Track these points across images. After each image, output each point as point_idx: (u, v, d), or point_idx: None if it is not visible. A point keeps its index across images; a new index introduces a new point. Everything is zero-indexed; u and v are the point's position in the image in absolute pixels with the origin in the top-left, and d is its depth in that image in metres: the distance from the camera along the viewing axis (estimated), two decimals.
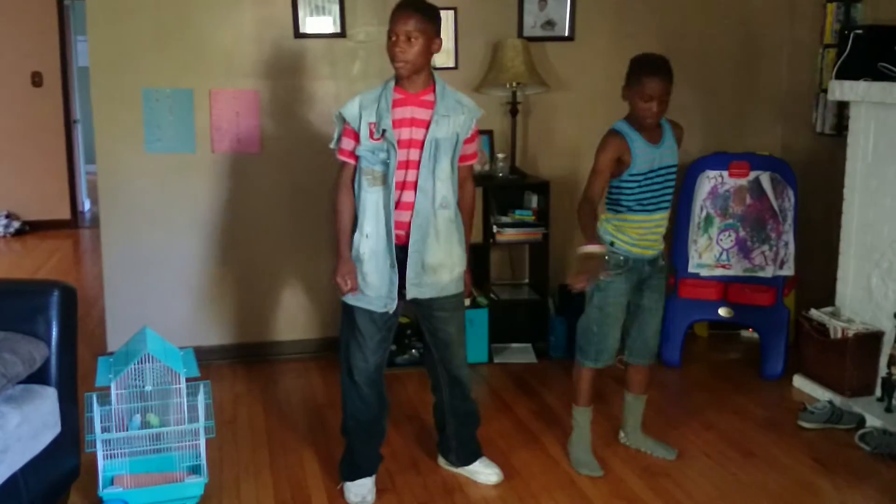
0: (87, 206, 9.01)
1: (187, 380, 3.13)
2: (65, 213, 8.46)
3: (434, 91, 3.03)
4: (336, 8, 4.58)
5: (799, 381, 4.33)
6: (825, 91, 4.58)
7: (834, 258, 4.34)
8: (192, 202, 4.59)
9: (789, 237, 4.53)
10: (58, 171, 8.39)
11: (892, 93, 3.83)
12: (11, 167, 8.18)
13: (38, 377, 2.89)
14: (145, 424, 3.14)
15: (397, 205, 3.03)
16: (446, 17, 4.67)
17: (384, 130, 2.95)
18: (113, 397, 3.07)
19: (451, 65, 4.71)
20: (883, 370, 3.96)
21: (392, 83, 3.03)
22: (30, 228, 8.19)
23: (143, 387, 3.09)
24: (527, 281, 5.02)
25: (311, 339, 4.83)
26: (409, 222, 3.04)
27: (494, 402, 4.19)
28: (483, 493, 3.31)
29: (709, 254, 4.63)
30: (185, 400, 3.14)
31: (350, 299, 3.12)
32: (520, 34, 4.76)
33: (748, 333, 5.04)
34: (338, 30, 4.60)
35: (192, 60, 4.48)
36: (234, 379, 4.49)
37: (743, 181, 4.59)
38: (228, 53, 4.52)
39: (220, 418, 3.79)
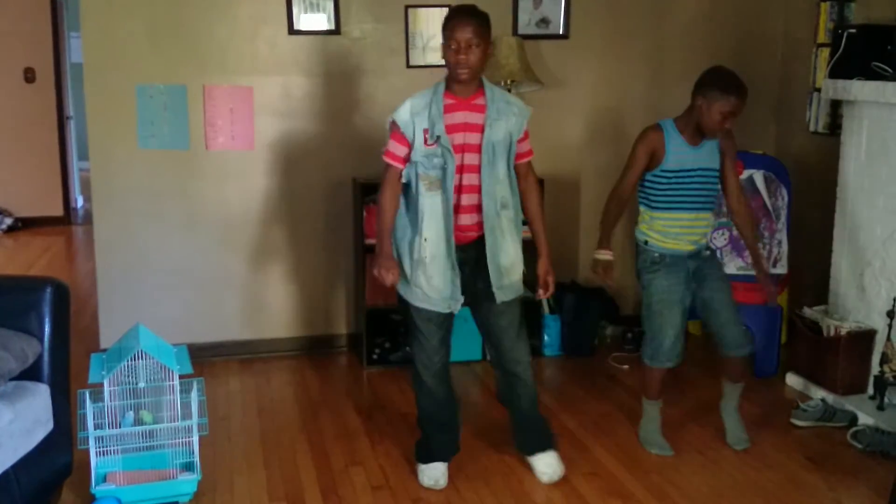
0: (80, 202, 8.98)
1: (181, 377, 3.13)
2: (58, 210, 8.43)
3: (484, 94, 3.08)
4: (330, 5, 4.57)
5: (792, 379, 4.34)
6: (819, 90, 4.60)
7: (827, 257, 4.35)
8: (185, 199, 4.58)
9: (782, 236, 4.53)
10: (51, 167, 8.35)
11: (885, 92, 3.84)
12: (4, 163, 8.14)
13: (31, 374, 2.89)
14: (138, 421, 3.14)
15: (457, 209, 3.10)
16: (441, 15, 4.66)
17: (438, 137, 3.01)
18: (106, 394, 3.07)
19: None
20: (875, 368, 3.98)
21: (442, 88, 3.08)
22: (22, 225, 8.15)
23: (137, 384, 3.09)
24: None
25: (306, 337, 4.82)
26: (469, 225, 3.13)
27: (488, 399, 4.19)
28: (477, 490, 3.31)
29: None
30: (179, 397, 3.14)
31: (416, 301, 3.19)
32: (514, 32, 4.76)
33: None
34: (332, 27, 4.60)
35: (187, 56, 4.47)
36: (227, 376, 4.48)
37: None
38: (223, 50, 4.51)
39: (213, 415, 3.78)
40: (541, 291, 3.29)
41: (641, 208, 3.52)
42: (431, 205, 3.09)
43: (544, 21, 4.83)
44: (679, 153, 3.38)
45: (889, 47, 3.95)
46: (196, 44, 4.48)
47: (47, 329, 2.95)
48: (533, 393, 3.40)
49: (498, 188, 3.12)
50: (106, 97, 4.41)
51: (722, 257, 4.60)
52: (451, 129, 3.04)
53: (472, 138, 3.06)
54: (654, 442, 3.64)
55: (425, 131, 3.03)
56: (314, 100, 4.65)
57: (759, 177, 4.55)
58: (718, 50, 5.07)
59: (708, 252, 3.58)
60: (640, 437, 3.69)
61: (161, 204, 4.56)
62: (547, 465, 3.39)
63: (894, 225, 3.93)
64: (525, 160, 3.24)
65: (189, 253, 4.63)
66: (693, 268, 3.50)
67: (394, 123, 3.08)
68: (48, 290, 2.97)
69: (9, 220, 8.07)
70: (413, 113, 3.05)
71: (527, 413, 3.41)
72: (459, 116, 3.06)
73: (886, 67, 3.94)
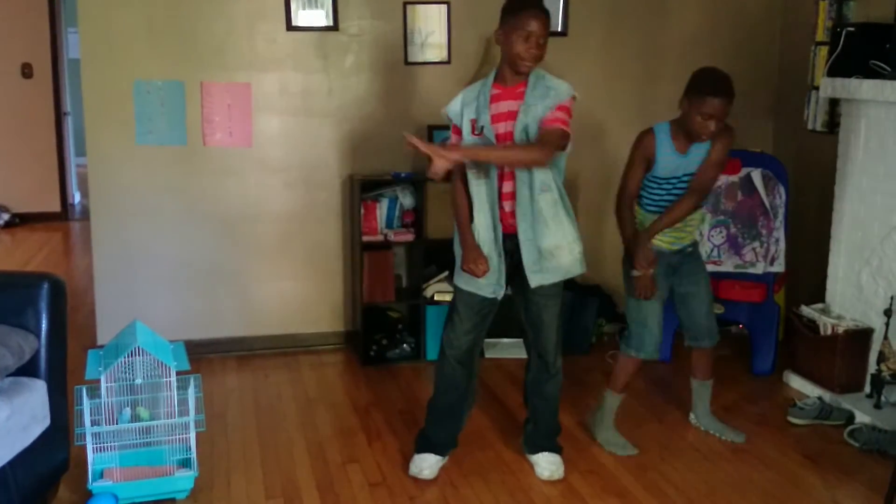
0: (77, 198, 8.97)
1: (178, 373, 3.13)
2: (55, 206, 8.42)
3: (527, 83, 3.07)
4: (329, 1, 4.56)
5: (789, 378, 4.35)
6: (817, 88, 4.59)
7: (824, 255, 4.35)
8: (183, 195, 4.57)
9: (780, 234, 4.54)
10: (48, 163, 8.33)
11: (883, 90, 3.84)
12: (1, 159, 8.12)
13: (28, 370, 2.88)
14: (135, 418, 3.14)
15: (501, 195, 3.13)
16: (439, 12, 4.68)
17: (483, 127, 3.05)
18: (103, 390, 3.06)
19: (444, 59, 4.71)
20: (872, 367, 3.98)
21: (491, 78, 3.11)
22: (19, 221, 8.14)
23: (134, 380, 3.08)
24: None
25: (303, 334, 4.82)
26: (511, 212, 3.14)
27: (486, 396, 4.18)
28: (473, 488, 3.31)
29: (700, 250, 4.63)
30: (176, 393, 3.13)
31: (462, 284, 3.23)
32: None
33: (738, 329, 5.05)
34: (330, 23, 4.59)
35: (184, 52, 4.46)
36: (224, 373, 4.48)
37: (734, 178, 4.60)
38: (221, 46, 4.50)
39: (210, 412, 3.78)
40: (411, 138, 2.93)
41: (637, 208, 3.54)
42: (479, 193, 3.13)
43: None
44: (667, 161, 3.38)
45: (888, 46, 3.95)
46: (194, 40, 4.47)
47: (44, 325, 2.95)
48: (559, 388, 3.42)
49: (536, 171, 3.07)
50: (103, 93, 4.40)
51: (719, 255, 4.60)
52: (495, 118, 3.07)
53: (514, 126, 3.08)
54: (614, 441, 3.60)
55: (472, 121, 3.08)
56: (312, 96, 4.64)
57: (756, 175, 4.55)
58: (717, 48, 5.07)
59: (691, 248, 3.59)
60: (602, 440, 3.63)
61: (158, 200, 4.55)
62: (550, 462, 3.41)
63: (892, 223, 3.93)
64: (546, 127, 3.01)
65: (186, 249, 4.62)
66: (676, 262, 3.55)
67: (447, 115, 3.16)
68: (45, 285, 2.97)
69: (6, 216, 8.06)
70: (464, 104, 3.12)
71: (550, 408, 3.43)
72: (504, 105, 3.07)
73: (885, 66, 3.94)
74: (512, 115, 3.07)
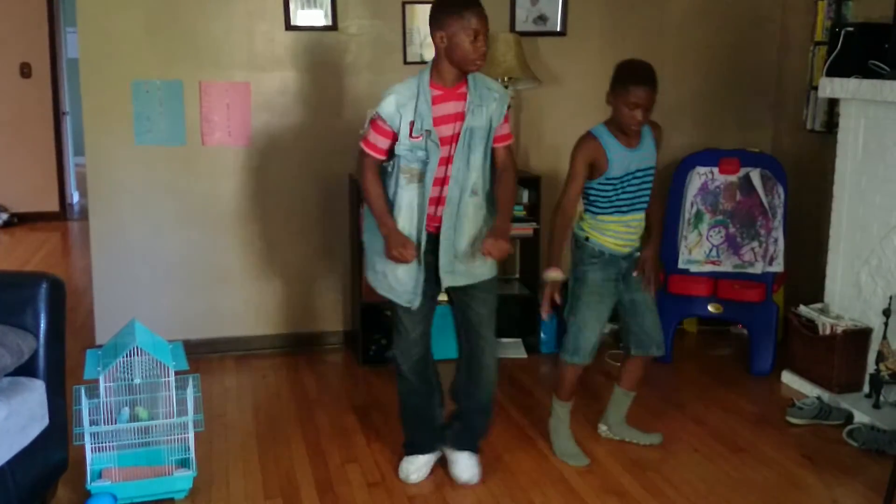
0: (75, 198, 8.97)
1: (176, 373, 3.13)
2: (53, 206, 8.42)
3: (467, 82, 3.04)
4: (327, 0, 4.56)
5: (787, 377, 4.35)
6: (816, 88, 4.59)
7: (823, 255, 4.35)
8: (181, 195, 4.57)
9: (779, 234, 4.54)
10: (46, 162, 8.34)
11: (882, 90, 3.84)
12: (0, 159, 8.13)
13: (26, 370, 2.88)
14: (134, 418, 3.14)
15: (440, 200, 3.07)
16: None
17: (428, 131, 2.97)
18: (101, 390, 3.06)
19: None
20: (871, 367, 3.98)
21: (426, 78, 3.02)
22: (18, 220, 8.14)
23: (132, 380, 3.08)
24: (517, 276, 5.02)
25: (302, 333, 4.82)
26: (441, 215, 3.09)
27: None
28: (472, 488, 3.31)
29: (698, 250, 4.64)
30: (174, 393, 3.13)
31: (381, 291, 3.19)
32: (512, 29, 4.76)
33: (737, 329, 5.06)
34: (329, 22, 4.59)
35: (183, 52, 4.46)
36: (223, 372, 4.48)
37: (733, 177, 4.60)
38: (219, 45, 4.50)
39: (209, 412, 3.78)
40: (485, 248, 3.07)
41: (585, 214, 3.44)
42: (409, 198, 3.05)
43: (542, 18, 4.83)
44: (620, 159, 3.30)
45: (886, 46, 3.95)
46: (192, 39, 4.47)
47: (43, 325, 2.94)
48: (494, 387, 3.36)
49: (472, 175, 3.05)
50: (102, 93, 4.40)
51: (718, 255, 4.60)
52: (439, 120, 2.99)
53: (459, 128, 3.02)
54: (568, 451, 3.52)
55: (411, 124, 2.97)
56: (311, 96, 4.64)
57: (755, 175, 4.56)
58: (716, 48, 5.08)
59: (638, 254, 3.49)
60: (556, 449, 3.55)
61: (157, 199, 4.55)
62: (470, 464, 3.35)
63: (891, 223, 3.93)
64: (503, 144, 3.16)
65: (185, 249, 4.62)
66: (626, 269, 3.45)
67: (378, 116, 3.02)
68: (44, 285, 2.96)
69: (4, 216, 8.06)
70: (399, 105, 2.98)
71: (483, 406, 3.36)
72: (449, 107, 3.01)
73: (884, 66, 3.94)
74: (459, 117, 3.01)
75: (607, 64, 4.97)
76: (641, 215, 3.42)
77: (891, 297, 3.91)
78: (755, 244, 4.56)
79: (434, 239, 3.10)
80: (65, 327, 3.08)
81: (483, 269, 3.19)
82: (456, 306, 3.30)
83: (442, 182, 3.05)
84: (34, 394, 2.85)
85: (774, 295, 4.60)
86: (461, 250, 3.12)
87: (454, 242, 3.11)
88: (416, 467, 3.34)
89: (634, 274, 3.46)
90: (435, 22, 2.98)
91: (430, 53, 4.67)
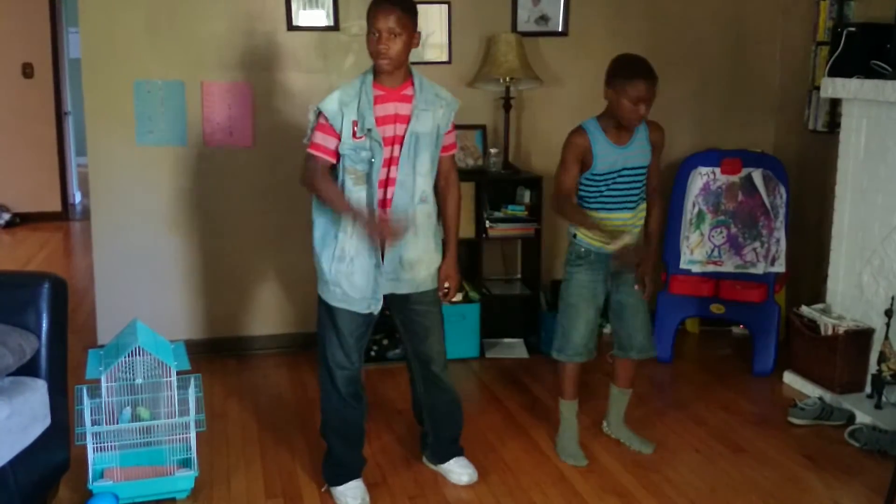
0: (77, 198, 8.97)
1: (178, 373, 3.13)
2: (55, 206, 8.42)
3: (413, 84, 3.00)
4: (329, 1, 4.56)
5: (789, 378, 4.34)
6: (818, 88, 4.59)
7: (825, 255, 4.35)
8: (183, 195, 4.58)
9: (781, 234, 4.53)
10: (48, 163, 8.34)
11: (884, 91, 3.84)
12: (2, 159, 8.13)
13: (28, 369, 2.88)
14: (136, 417, 3.14)
15: (382, 202, 3.00)
16: (440, 12, 4.68)
17: (369, 129, 2.91)
18: (103, 390, 3.06)
19: (445, 59, 4.71)
20: (873, 367, 3.98)
21: (370, 78, 2.96)
22: (20, 220, 8.14)
23: (134, 380, 3.08)
24: (519, 276, 5.02)
25: (303, 333, 4.81)
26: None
27: (486, 396, 4.19)
28: (474, 488, 3.31)
29: (700, 250, 4.64)
30: (176, 393, 3.13)
31: (334, 301, 3.06)
32: (513, 29, 4.75)
33: (739, 330, 5.05)
34: (331, 23, 4.59)
35: (185, 52, 4.46)
36: (225, 372, 4.48)
37: (735, 178, 4.60)
38: (221, 46, 4.50)
39: (210, 412, 3.78)
40: (441, 294, 3.19)
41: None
42: (357, 200, 2.97)
43: (543, 18, 4.83)
44: (606, 155, 3.28)
45: (888, 46, 3.94)
46: (194, 40, 4.47)
47: (45, 325, 2.95)
48: (454, 396, 3.33)
49: (419, 181, 3.01)
50: (104, 93, 4.41)
51: (720, 255, 4.60)
52: (381, 120, 2.93)
53: (402, 130, 2.96)
54: (570, 452, 3.52)
55: (354, 123, 2.90)
56: (312, 96, 4.63)
57: (757, 175, 4.55)
58: (718, 48, 5.08)
59: None
60: (557, 447, 3.57)
61: (159, 200, 4.55)
62: (463, 465, 3.35)
63: (893, 223, 3.93)
64: (450, 153, 3.15)
65: (187, 249, 4.62)
66: (614, 268, 3.43)
67: (321, 115, 2.93)
68: (46, 285, 2.97)
69: (7, 216, 8.06)
70: (342, 103, 2.91)
71: (448, 410, 3.33)
72: (390, 108, 2.95)
73: (886, 66, 3.94)
74: (400, 119, 2.96)
75: (609, 64, 5.01)
76: (629, 215, 3.38)
77: (893, 298, 3.90)
78: (757, 244, 4.56)
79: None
80: (67, 327, 3.08)
81: (426, 279, 3.14)
82: (398, 318, 3.22)
83: (385, 184, 2.99)
84: (36, 393, 2.85)
85: (776, 295, 4.60)
86: (407, 259, 3.05)
87: (401, 251, 3.03)
88: (364, 490, 3.19)
89: (636, 287, 3.45)
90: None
91: (430, 54, 4.70)
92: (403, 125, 2.97)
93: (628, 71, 3.23)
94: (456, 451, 3.40)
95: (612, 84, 3.26)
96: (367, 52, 2.94)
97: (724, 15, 5.06)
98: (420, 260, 3.09)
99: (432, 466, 3.42)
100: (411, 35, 2.94)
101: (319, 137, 2.96)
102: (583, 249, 3.41)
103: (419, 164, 3.01)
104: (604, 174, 3.30)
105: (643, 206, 3.45)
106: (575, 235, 3.43)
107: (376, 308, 3.07)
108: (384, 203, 3.00)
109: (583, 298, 3.43)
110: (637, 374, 3.70)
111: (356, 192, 2.98)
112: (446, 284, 3.21)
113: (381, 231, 2.92)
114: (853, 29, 4.12)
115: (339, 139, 2.94)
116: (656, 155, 3.43)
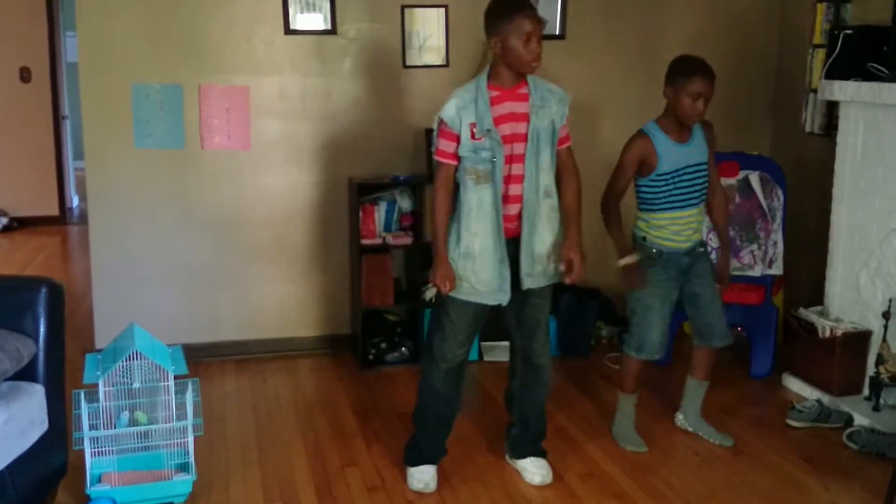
0: (75, 202, 8.97)
1: (176, 377, 3.13)
2: (53, 210, 8.41)
3: (527, 84, 3.09)
4: (327, 4, 4.56)
5: (787, 380, 4.35)
6: (815, 91, 4.60)
7: (823, 257, 4.35)
8: (181, 199, 4.57)
9: (778, 236, 4.54)
10: (46, 167, 8.33)
11: (881, 93, 3.85)
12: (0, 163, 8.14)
13: (26, 374, 2.88)
14: (133, 422, 3.14)
15: (505, 199, 3.10)
16: (437, 15, 4.68)
17: (488, 130, 3.02)
18: (101, 394, 3.06)
19: (442, 62, 4.71)
20: (871, 369, 3.98)
21: (484, 81, 3.07)
22: (18, 225, 8.13)
23: (132, 384, 3.08)
24: None
25: (301, 337, 4.82)
26: (517, 215, 3.12)
27: (485, 400, 4.19)
28: (474, 491, 3.31)
29: None
30: (174, 397, 3.13)
31: (462, 295, 3.15)
32: None
33: (737, 332, 5.04)
34: (328, 26, 4.59)
35: (182, 56, 4.46)
36: (222, 376, 4.48)
37: (732, 180, 4.60)
38: (219, 49, 4.50)
39: (208, 416, 3.78)
40: (564, 271, 3.20)
41: (638, 211, 3.55)
42: (480, 199, 3.08)
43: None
44: (671, 154, 3.41)
45: (885, 48, 3.95)
46: (192, 43, 4.47)
47: (42, 329, 2.94)
48: (548, 393, 3.43)
49: (542, 176, 3.12)
50: (101, 96, 4.40)
51: (717, 257, 4.59)
52: (497, 120, 3.05)
53: (519, 128, 3.07)
54: (628, 438, 3.67)
55: (472, 125, 3.03)
56: (310, 100, 4.64)
57: (754, 177, 4.56)
58: (715, 51, 5.05)
59: (702, 249, 3.61)
60: (614, 433, 3.71)
61: (156, 204, 4.55)
62: (539, 466, 3.40)
63: (890, 225, 3.93)
64: (565, 146, 3.22)
65: (184, 253, 4.62)
66: (687, 264, 3.54)
67: (442, 122, 3.07)
68: (43, 290, 2.96)
69: (4, 220, 8.05)
70: (459, 108, 3.05)
71: (540, 408, 3.42)
72: (507, 107, 3.06)
73: (882, 68, 3.95)
74: (516, 117, 3.07)
75: (606, 67, 5.03)
76: (696, 210, 3.50)
77: (890, 300, 3.91)
78: (754, 247, 4.56)
79: (509, 242, 3.13)
80: (64, 332, 3.08)
81: (556, 272, 3.23)
82: (512, 312, 3.29)
83: (507, 181, 3.09)
84: (34, 398, 2.85)
85: (774, 298, 4.60)
86: (539, 252, 3.16)
87: (532, 245, 3.15)
88: (432, 476, 3.32)
89: (718, 287, 3.59)
90: (489, 27, 3.04)
91: (428, 57, 4.70)
92: (520, 123, 3.08)
93: (687, 69, 3.35)
94: (536, 451, 3.45)
95: (672, 82, 3.37)
96: (507, 58, 3.00)
97: (720, 17, 5.07)
98: (549, 253, 3.18)
99: (509, 461, 3.49)
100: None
101: (443, 143, 3.10)
102: (654, 251, 3.49)
103: (541, 160, 3.11)
104: (670, 173, 3.42)
105: (702, 208, 3.56)
106: (644, 238, 3.51)
107: (504, 300, 3.17)
108: (506, 199, 3.10)
109: (658, 297, 3.52)
110: (715, 365, 3.77)
111: (477, 192, 3.08)
112: (573, 259, 3.18)
113: (440, 283, 3.09)
114: (850, 31, 4.13)
115: (459, 142, 3.05)
116: (711, 151, 3.54)
